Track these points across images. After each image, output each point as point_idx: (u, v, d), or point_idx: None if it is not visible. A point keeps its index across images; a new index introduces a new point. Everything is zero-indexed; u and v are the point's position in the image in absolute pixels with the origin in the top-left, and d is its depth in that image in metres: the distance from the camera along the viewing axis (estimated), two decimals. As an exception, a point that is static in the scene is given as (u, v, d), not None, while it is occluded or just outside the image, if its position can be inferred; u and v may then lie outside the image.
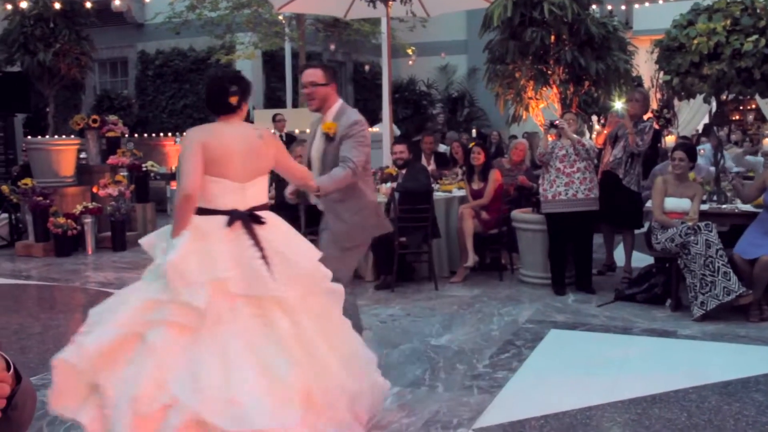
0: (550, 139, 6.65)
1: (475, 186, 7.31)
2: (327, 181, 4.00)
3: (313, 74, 4.18)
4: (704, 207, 6.20)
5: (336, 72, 4.02)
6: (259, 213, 3.29)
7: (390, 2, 7.69)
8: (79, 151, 10.41)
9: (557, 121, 6.58)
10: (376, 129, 10.82)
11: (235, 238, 3.20)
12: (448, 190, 7.78)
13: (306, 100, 4.36)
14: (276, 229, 3.33)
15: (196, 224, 3.18)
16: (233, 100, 3.33)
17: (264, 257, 3.17)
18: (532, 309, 6.05)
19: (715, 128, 7.98)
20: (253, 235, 3.21)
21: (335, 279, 3.45)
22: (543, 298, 6.39)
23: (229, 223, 3.20)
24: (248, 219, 3.24)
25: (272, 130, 10.65)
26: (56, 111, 11.89)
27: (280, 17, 13.43)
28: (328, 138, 4.17)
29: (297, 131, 11.97)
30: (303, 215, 6.64)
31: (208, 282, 3.05)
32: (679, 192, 6.02)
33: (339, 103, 4.29)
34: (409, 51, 15.98)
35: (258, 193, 3.36)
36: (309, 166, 4.29)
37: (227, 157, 3.23)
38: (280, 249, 3.24)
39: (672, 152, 6.32)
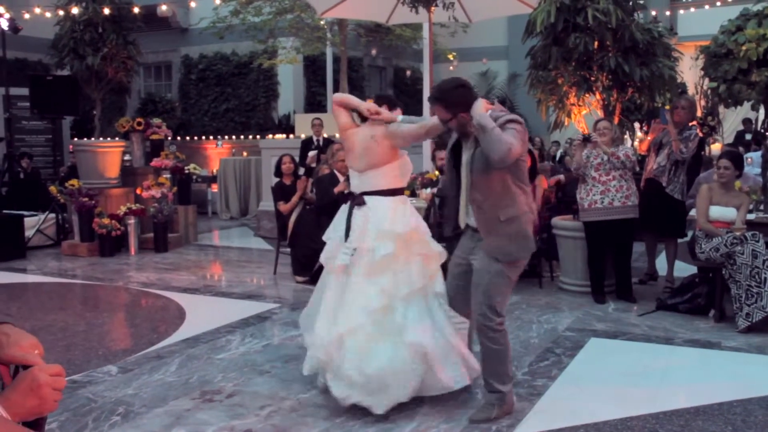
0: (584, 152, 6.56)
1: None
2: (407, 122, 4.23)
3: None
4: (751, 216, 6.08)
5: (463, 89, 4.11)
6: (365, 197, 4.14)
7: (432, 7, 7.69)
8: (124, 153, 10.61)
9: (591, 136, 6.47)
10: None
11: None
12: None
13: None
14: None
15: None
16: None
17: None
18: (571, 317, 5.99)
19: (747, 136, 7.82)
20: (350, 213, 4.14)
21: (490, 307, 3.75)
22: (583, 307, 6.33)
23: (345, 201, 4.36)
24: (354, 199, 4.20)
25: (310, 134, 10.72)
26: (102, 114, 12.15)
27: (322, 22, 13.53)
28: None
29: (337, 135, 12.03)
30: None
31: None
32: (725, 201, 5.90)
33: None
34: (450, 56, 15.97)
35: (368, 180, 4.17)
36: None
37: (350, 152, 4.23)
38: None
39: (717, 161, 6.20)
